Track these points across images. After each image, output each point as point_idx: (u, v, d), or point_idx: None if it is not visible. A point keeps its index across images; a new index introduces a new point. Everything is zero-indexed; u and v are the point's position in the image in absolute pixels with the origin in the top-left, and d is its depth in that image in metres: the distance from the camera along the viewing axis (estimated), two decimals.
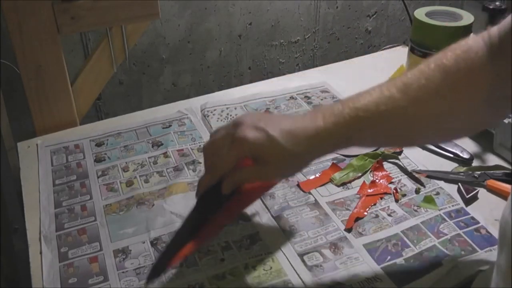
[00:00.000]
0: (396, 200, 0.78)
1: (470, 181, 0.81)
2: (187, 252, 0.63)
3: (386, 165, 0.85)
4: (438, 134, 0.63)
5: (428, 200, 0.77)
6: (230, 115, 0.98)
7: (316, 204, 0.77)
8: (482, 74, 0.57)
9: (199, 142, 0.91)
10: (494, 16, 1.01)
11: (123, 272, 0.66)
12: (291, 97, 1.05)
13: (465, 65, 0.57)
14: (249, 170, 0.62)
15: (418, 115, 0.59)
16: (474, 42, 0.59)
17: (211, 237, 0.70)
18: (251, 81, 1.45)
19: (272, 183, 0.72)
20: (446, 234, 0.71)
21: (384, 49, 1.33)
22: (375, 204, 0.77)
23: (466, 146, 0.88)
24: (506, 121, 0.83)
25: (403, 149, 0.88)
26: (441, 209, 0.76)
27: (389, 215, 0.75)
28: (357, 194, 0.79)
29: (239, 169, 0.62)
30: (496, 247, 0.69)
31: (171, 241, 0.66)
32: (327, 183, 0.81)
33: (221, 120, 0.97)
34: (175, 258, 0.63)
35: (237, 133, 0.60)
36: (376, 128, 0.59)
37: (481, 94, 0.58)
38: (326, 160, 0.85)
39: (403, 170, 0.84)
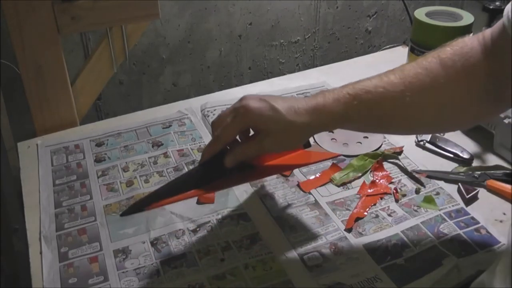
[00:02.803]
0: (396, 200, 0.78)
1: (470, 181, 0.81)
2: (177, 199, 0.66)
3: (386, 165, 0.85)
4: (435, 123, 0.66)
5: (428, 200, 0.77)
6: None
7: (316, 204, 0.77)
8: (478, 68, 0.60)
9: (199, 142, 0.91)
10: (494, 16, 1.01)
11: (123, 272, 0.66)
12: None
13: (461, 58, 0.61)
14: (250, 143, 0.64)
15: (416, 101, 0.61)
16: (469, 40, 0.62)
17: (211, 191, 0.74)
18: (251, 81, 1.45)
19: (289, 163, 0.74)
20: (446, 234, 0.71)
21: (384, 49, 1.33)
22: (375, 204, 0.77)
23: (466, 146, 0.88)
24: (506, 121, 0.83)
25: (403, 149, 0.88)
26: (441, 209, 0.76)
27: (389, 215, 0.75)
28: (357, 194, 0.79)
29: (240, 143, 0.64)
30: (496, 247, 0.69)
31: (162, 187, 0.68)
32: (327, 183, 0.81)
33: None
34: (162, 202, 0.65)
35: (241, 104, 0.63)
36: (373, 109, 0.62)
37: (477, 87, 0.60)
38: (326, 160, 0.85)
39: (403, 170, 0.84)
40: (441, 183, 0.81)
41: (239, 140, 0.66)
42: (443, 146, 0.88)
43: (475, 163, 0.86)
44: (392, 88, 0.61)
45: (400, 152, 0.87)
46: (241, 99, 0.64)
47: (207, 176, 0.67)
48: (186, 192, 0.66)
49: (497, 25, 0.59)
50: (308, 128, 0.63)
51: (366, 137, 0.90)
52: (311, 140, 0.90)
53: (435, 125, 0.67)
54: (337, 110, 0.61)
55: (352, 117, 0.62)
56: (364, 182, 0.81)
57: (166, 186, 0.68)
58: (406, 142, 0.90)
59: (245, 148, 0.64)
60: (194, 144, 0.91)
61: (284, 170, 0.81)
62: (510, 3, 0.57)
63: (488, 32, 0.61)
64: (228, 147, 0.65)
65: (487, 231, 0.72)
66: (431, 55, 0.63)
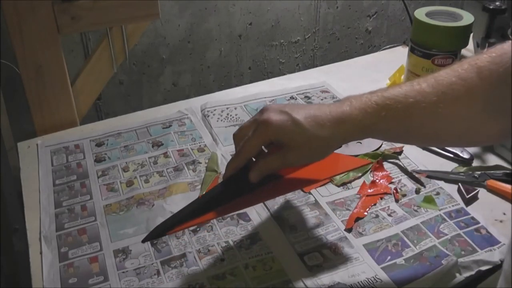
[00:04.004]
0: (396, 200, 0.78)
1: (470, 181, 0.81)
2: (201, 221, 0.64)
3: (386, 165, 0.85)
4: (465, 136, 0.61)
5: (428, 200, 0.77)
6: (230, 115, 0.98)
7: (316, 204, 0.77)
8: None
9: (199, 142, 0.91)
10: (494, 16, 1.01)
11: (123, 272, 0.66)
12: (291, 97, 1.05)
13: (498, 67, 0.56)
14: (274, 157, 0.61)
15: (448, 113, 0.57)
16: (509, 46, 0.57)
17: (231, 212, 0.72)
18: (251, 81, 1.45)
19: (314, 176, 0.70)
20: (446, 234, 0.71)
21: (384, 49, 1.33)
22: (375, 204, 0.77)
23: None
24: None
25: (403, 149, 0.88)
26: (441, 209, 0.76)
27: (389, 215, 0.75)
28: (357, 194, 0.79)
29: (263, 157, 0.62)
30: (496, 247, 0.69)
31: (184, 209, 0.66)
32: (327, 183, 0.81)
33: (221, 120, 0.97)
34: (184, 225, 0.64)
35: (262, 117, 0.60)
36: (402, 120, 0.58)
37: None
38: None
39: (403, 170, 0.84)
40: (441, 183, 0.81)
41: (265, 150, 0.64)
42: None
43: (475, 163, 0.86)
44: (424, 98, 0.57)
45: (400, 152, 0.87)
46: (262, 111, 0.61)
47: (231, 192, 0.65)
48: (208, 213, 0.64)
49: None
50: (333, 141, 0.60)
51: None
52: None
53: (465, 138, 0.62)
54: (364, 121, 0.58)
55: (379, 128, 0.58)
56: (364, 182, 0.81)
57: (189, 207, 0.66)
58: None
59: (270, 161, 0.61)
60: (194, 144, 0.91)
61: (309, 184, 0.77)
62: None
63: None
64: (254, 158, 0.63)
65: (487, 231, 0.72)
66: (468, 62, 0.58)
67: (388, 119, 0.58)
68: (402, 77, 1.07)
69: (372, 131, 0.59)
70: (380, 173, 0.83)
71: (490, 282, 0.63)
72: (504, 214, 0.75)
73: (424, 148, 0.89)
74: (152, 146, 0.91)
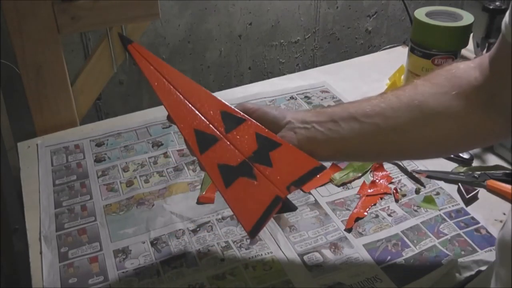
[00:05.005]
0: (396, 200, 0.78)
1: (470, 181, 0.81)
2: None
3: (386, 165, 0.85)
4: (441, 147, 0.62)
5: (428, 200, 0.77)
6: None
7: (316, 204, 0.77)
8: (474, 88, 0.57)
9: None
10: (494, 16, 1.01)
11: (123, 272, 0.66)
12: (291, 97, 1.05)
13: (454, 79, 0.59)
14: None
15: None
16: (463, 63, 0.60)
17: None
18: (251, 81, 1.45)
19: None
20: (446, 234, 0.71)
21: (384, 49, 1.33)
22: (375, 204, 0.77)
23: None
24: None
25: None
26: (441, 209, 0.76)
27: (389, 215, 0.75)
28: (357, 194, 0.79)
29: None
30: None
31: None
32: (327, 183, 0.81)
33: None
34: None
35: None
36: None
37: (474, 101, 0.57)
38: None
39: (403, 170, 0.84)
40: (441, 183, 0.81)
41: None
42: None
43: (475, 163, 0.86)
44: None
45: None
46: None
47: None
48: None
49: (495, 46, 0.57)
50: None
51: None
52: None
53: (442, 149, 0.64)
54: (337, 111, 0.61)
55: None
56: (364, 182, 0.81)
57: None
58: None
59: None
60: None
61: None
62: (507, 13, 0.56)
63: (485, 56, 0.59)
64: None
65: (487, 231, 0.72)
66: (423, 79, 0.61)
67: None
68: (402, 77, 1.07)
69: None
70: (380, 173, 0.83)
71: (477, 282, 0.63)
72: (504, 214, 0.75)
73: None
74: (152, 146, 0.91)
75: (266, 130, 0.60)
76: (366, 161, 0.81)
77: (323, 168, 0.59)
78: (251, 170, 0.59)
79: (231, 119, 0.60)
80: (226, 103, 0.62)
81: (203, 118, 0.60)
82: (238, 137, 0.59)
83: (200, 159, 0.59)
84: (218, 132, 0.59)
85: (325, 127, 0.60)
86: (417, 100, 0.58)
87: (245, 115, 0.61)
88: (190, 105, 0.61)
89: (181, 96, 0.62)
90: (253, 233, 0.57)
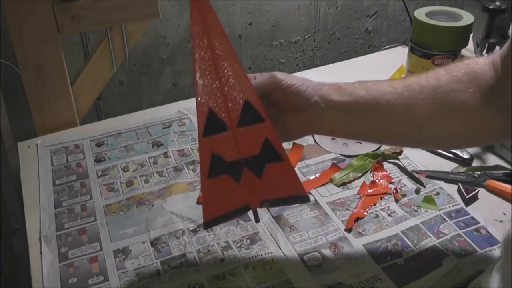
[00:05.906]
0: (396, 200, 0.78)
1: (470, 181, 0.80)
2: None
3: (386, 165, 0.85)
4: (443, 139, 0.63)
5: (428, 200, 0.77)
6: None
7: (316, 204, 0.77)
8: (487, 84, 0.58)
9: None
10: (494, 16, 1.01)
11: (123, 272, 0.66)
12: None
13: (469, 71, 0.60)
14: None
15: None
16: (481, 58, 0.60)
17: None
18: None
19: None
20: (446, 234, 0.71)
21: (384, 49, 1.33)
22: (375, 204, 0.77)
23: None
24: None
25: (403, 149, 0.88)
26: (441, 209, 0.76)
27: (389, 215, 0.75)
28: (357, 194, 0.79)
29: None
30: (496, 247, 0.69)
31: None
32: (327, 183, 0.81)
33: None
34: None
35: None
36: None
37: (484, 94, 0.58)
38: (326, 160, 0.85)
39: (403, 170, 0.84)
40: (441, 183, 0.81)
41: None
42: None
43: (475, 163, 0.86)
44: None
45: (400, 152, 0.87)
46: None
47: None
48: None
49: (508, 43, 0.58)
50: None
51: None
52: (311, 139, 0.90)
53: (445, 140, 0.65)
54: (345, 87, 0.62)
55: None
56: (364, 182, 0.81)
57: None
58: None
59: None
60: (194, 144, 0.91)
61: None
62: None
63: (497, 53, 0.60)
64: None
65: (487, 231, 0.72)
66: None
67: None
68: (402, 77, 1.07)
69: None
70: (380, 173, 0.83)
71: (477, 282, 0.63)
72: (504, 214, 0.75)
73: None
74: (152, 146, 0.91)
75: (277, 138, 0.58)
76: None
77: (307, 200, 0.61)
78: (239, 173, 0.58)
79: (250, 113, 0.57)
80: (255, 93, 0.58)
81: (223, 102, 0.57)
82: (245, 135, 0.58)
83: (200, 140, 0.57)
84: (229, 123, 0.57)
85: (349, 110, 0.61)
86: (439, 94, 0.59)
87: (266, 115, 0.57)
88: (218, 84, 0.59)
89: (215, 70, 0.61)
90: (208, 225, 0.58)
